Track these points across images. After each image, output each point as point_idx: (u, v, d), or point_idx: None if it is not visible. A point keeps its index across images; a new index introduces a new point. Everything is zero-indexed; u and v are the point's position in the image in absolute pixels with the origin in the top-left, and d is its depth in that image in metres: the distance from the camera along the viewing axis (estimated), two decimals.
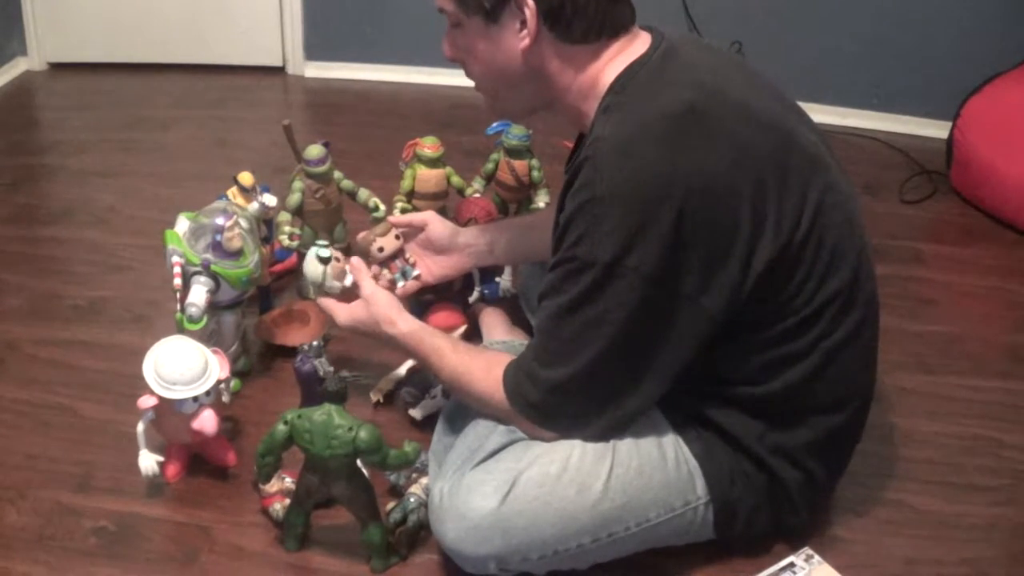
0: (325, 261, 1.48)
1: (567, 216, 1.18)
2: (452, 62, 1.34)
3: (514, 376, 1.27)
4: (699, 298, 1.16)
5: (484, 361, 1.33)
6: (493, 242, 1.63)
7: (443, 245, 1.61)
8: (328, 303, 1.46)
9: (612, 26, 1.21)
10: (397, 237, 1.59)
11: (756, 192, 1.15)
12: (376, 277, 1.55)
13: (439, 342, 1.36)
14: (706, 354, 1.22)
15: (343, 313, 1.43)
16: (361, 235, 1.60)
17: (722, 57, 1.28)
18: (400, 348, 1.41)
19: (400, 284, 1.58)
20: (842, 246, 1.23)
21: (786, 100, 1.28)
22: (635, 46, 1.23)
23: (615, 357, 1.19)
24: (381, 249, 1.58)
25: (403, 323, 1.38)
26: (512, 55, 1.23)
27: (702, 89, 1.18)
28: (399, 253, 1.60)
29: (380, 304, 1.41)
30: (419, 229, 1.62)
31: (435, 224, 1.61)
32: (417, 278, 1.60)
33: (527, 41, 1.21)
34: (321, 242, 1.52)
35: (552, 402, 1.24)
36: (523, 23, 1.20)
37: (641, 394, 1.23)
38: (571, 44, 1.21)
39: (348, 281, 1.48)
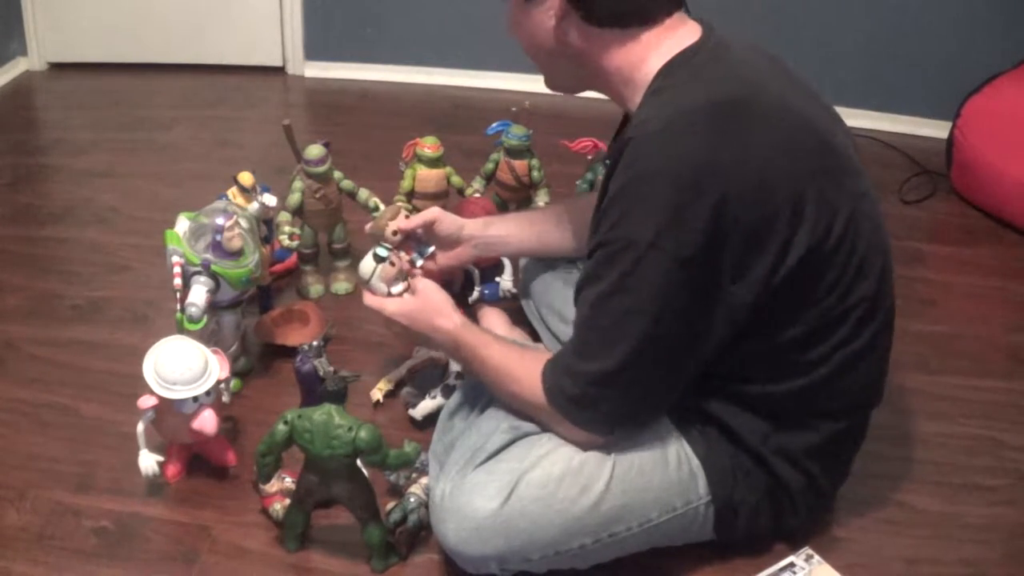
0: (380, 259, 1.47)
1: (610, 195, 1.16)
2: (511, 37, 1.34)
3: (552, 372, 1.25)
4: (732, 287, 1.15)
5: (527, 358, 1.31)
6: (498, 234, 1.64)
7: (450, 240, 1.62)
8: (374, 299, 1.46)
9: (641, 14, 1.21)
10: (407, 217, 1.59)
11: (796, 189, 1.15)
12: (393, 263, 1.56)
13: (486, 337, 1.37)
14: (730, 349, 1.21)
15: (392, 304, 1.43)
16: (370, 224, 1.60)
17: (766, 57, 1.27)
18: (445, 342, 1.39)
19: (419, 263, 1.58)
20: (871, 255, 1.23)
21: (826, 105, 1.28)
22: (683, 35, 1.22)
23: (652, 347, 1.17)
24: (395, 232, 1.58)
25: (456, 316, 1.39)
26: (546, 33, 1.25)
27: (750, 84, 1.18)
28: (412, 234, 1.60)
29: (436, 297, 1.41)
30: (429, 225, 1.62)
31: (443, 220, 1.61)
32: (432, 255, 1.60)
33: (554, 20, 1.22)
34: (386, 244, 1.52)
35: (591, 395, 1.22)
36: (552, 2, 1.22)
37: (673, 384, 1.22)
38: (598, 27, 1.21)
39: (396, 289, 1.46)
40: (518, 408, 1.31)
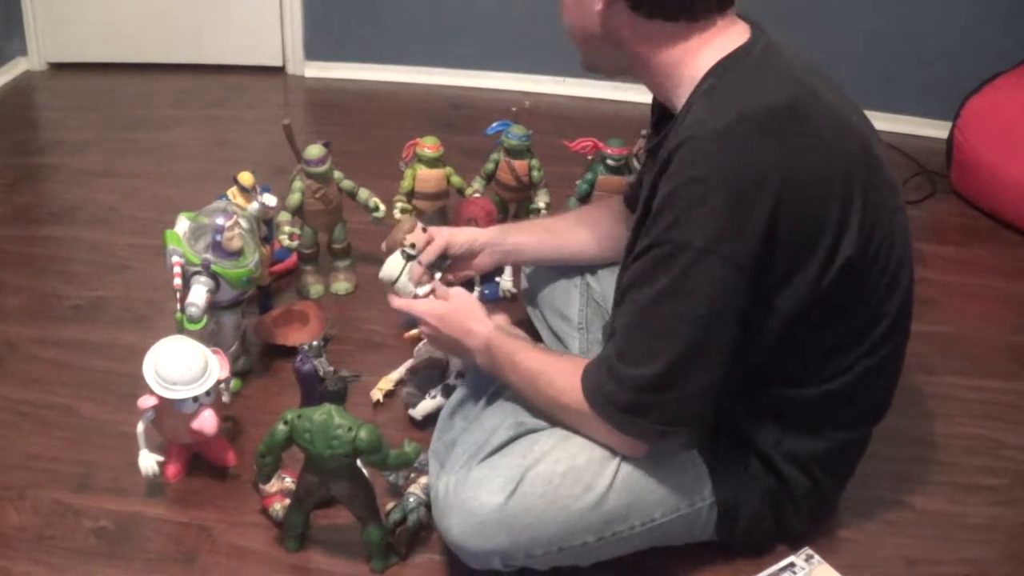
0: (409, 257, 1.46)
1: (663, 196, 1.14)
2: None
3: (595, 377, 1.21)
4: (780, 293, 1.15)
5: (565, 362, 1.29)
6: (516, 245, 1.63)
7: (466, 253, 1.61)
8: (403, 301, 1.45)
9: (689, 11, 1.19)
10: (424, 230, 1.59)
11: (844, 197, 1.14)
12: (421, 263, 1.55)
13: (521, 342, 1.36)
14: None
15: (421, 304, 1.43)
16: (385, 242, 1.60)
17: (811, 63, 1.26)
18: (476, 346, 1.37)
19: (437, 276, 1.58)
20: (901, 270, 1.23)
21: (863, 114, 1.27)
22: (732, 35, 1.21)
23: (701, 351, 1.15)
24: (412, 246, 1.57)
25: (489, 322, 1.38)
26: (591, 15, 1.22)
27: (802, 88, 1.17)
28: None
29: (468, 302, 1.41)
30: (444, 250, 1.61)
31: (455, 242, 1.60)
32: (449, 269, 1.60)
33: (600, 5, 1.20)
34: (410, 244, 1.51)
35: (640, 402, 1.18)
36: None
37: (717, 391, 1.18)
38: (646, 19, 1.19)
39: (422, 291, 1.46)
40: (554, 413, 1.29)
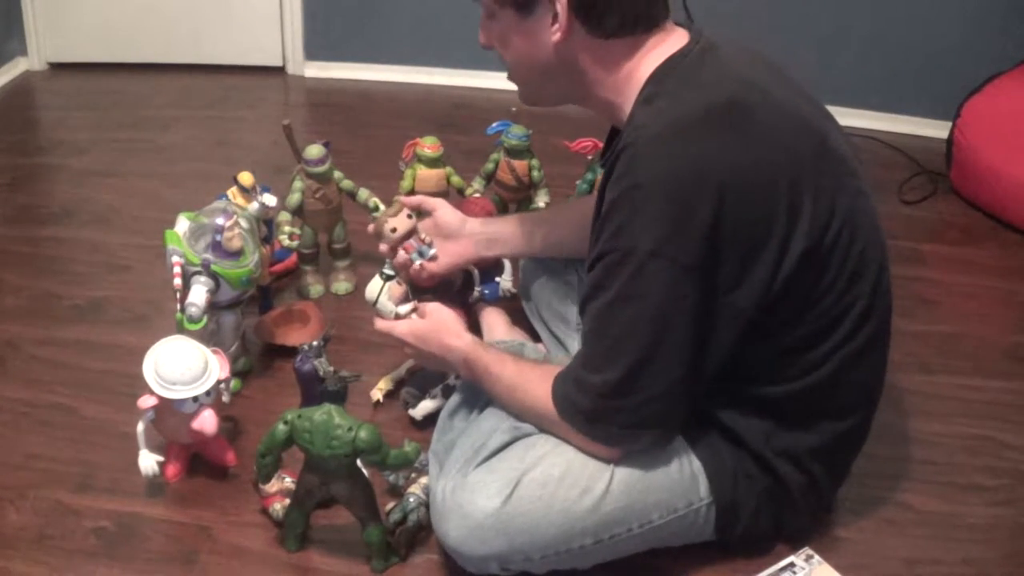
0: (387, 277, 1.47)
1: (607, 205, 1.16)
2: (486, 49, 1.31)
3: (562, 386, 1.24)
4: (734, 291, 1.15)
5: (539, 372, 1.30)
6: (499, 233, 1.64)
7: (451, 231, 1.62)
8: (385, 323, 1.46)
9: (646, 21, 1.20)
10: (409, 216, 1.59)
11: (792, 189, 1.14)
12: (393, 252, 1.57)
13: (498, 354, 1.36)
14: (733, 352, 1.21)
15: (402, 326, 1.44)
16: (372, 225, 1.61)
17: (758, 58, 1.27)
18: (456, 361, 1.39)
19: (418, 263, 1.58)
20: (867, 254, 1.23)
21: (818, 104, 1.27)
22: (672, 41, 1.22)
23: (660, 355, 1.16)
24: (394, 230, 1.58)
25: (466, 335, 1.40)
26: (544, 48, 1.22)
27: (742, 85, 1.17)
28: (413, 232, 1.60)
29: (445, 318, 1.42)
30: (428, 213, 1.62)
31: (444, 210, 1.62)
32: (434, 257, 1.60)
33: (559, 35, 1.20)
34: (389, 272, 1.52)
35: (602, 408, 1.20)
36: (555, 17, 1.19)
37: (683, 394, 1.20)
38: (604, 39, 1.20)
39: (404, 309, 1.46)
40: (533, 422, 1.30)
